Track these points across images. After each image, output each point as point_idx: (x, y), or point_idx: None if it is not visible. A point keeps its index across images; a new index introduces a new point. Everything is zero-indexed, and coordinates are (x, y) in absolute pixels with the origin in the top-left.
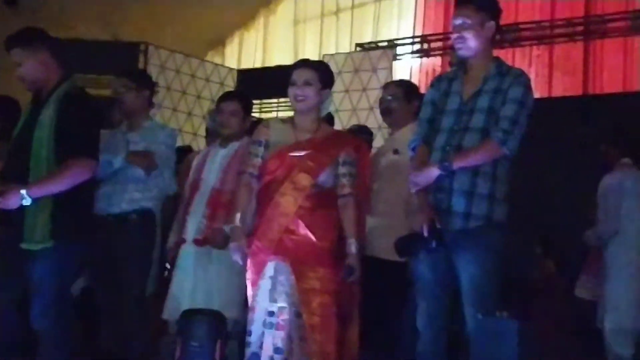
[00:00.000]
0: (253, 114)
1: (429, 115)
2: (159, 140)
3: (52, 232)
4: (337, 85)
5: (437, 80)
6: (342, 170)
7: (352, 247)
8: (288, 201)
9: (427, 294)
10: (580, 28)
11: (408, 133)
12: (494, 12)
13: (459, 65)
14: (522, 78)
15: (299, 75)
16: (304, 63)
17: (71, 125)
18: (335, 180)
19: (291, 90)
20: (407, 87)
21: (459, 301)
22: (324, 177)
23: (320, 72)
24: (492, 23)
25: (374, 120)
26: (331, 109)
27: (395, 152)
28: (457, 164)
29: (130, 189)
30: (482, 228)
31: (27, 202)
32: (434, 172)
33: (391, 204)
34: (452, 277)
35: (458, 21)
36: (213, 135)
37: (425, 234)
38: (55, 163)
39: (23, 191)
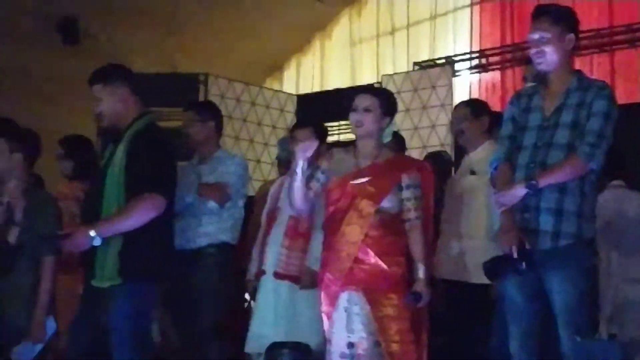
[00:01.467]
0: None
1: (510, 132)
2: (229, 170)
3: (121, 270)
4: (397, 105)
5: (517, 97)
6: (406, 194)
7: (420, 272)
8: (354, 230)
9: (518, 317)
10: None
11: (483, 152)
12: (572, 23)
13: (539, 80)
14: (605, 91)
15: (359, 102)
16: (366, 89)
17: (140, 162)
18: (400, 205)
19: (352, 117)
20: (474, 105)
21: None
22: (388, 203)
23: (381, 99)
24: (572, 35)
25: (435, 138)
26: (395, 129)
27: (472, 172)
28: (543, 182)
29: (205, 222)
30: (573, 246)
31: (97, 242)
32: (520, 191)
33: (473, 226)
34: (543, 299)
35: (536, 35)
36: (284, 165)
37: (515, 255)
38: (126, 201)
39: (92, 232)
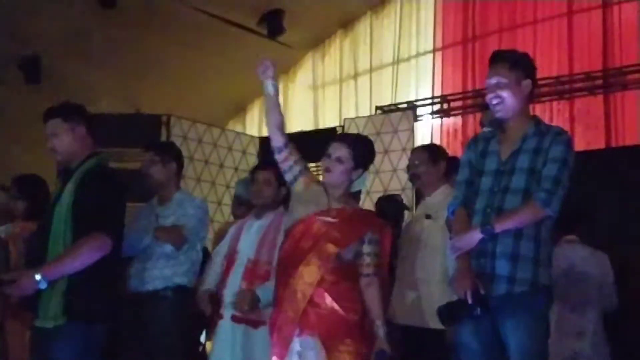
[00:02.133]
0: None
1: (467, 177)
2: (189, 213)
3: (65, 309)
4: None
5: (474, 141)
6: (367, 249)
7: (380, 330)
8: (312, 270)
9: None
10: (599, 81)
11: (439, 196)
12: (529, 69)
13: (495, 125)
14: (562, 136)
15: (333, 150)
16: (342, 138)
17: (87, 202)
18: (356, 256)
19: (323, 162)
20: (431, 150)
21: None
22: (347, 252)
23: (356, 150)
24: (528, 81)
25: (397, 182)
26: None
27: (428, 217)
28: (499, 227)
29: (161, 265)
30: (527, 293)
31: (42, 285)
32: (476, 235)
33: (428, 271)
34: (499, 346)
35: (493, 80)
36: (243, 205)
37: (470, 300)
38: (72, 242)
39: (37, 275)
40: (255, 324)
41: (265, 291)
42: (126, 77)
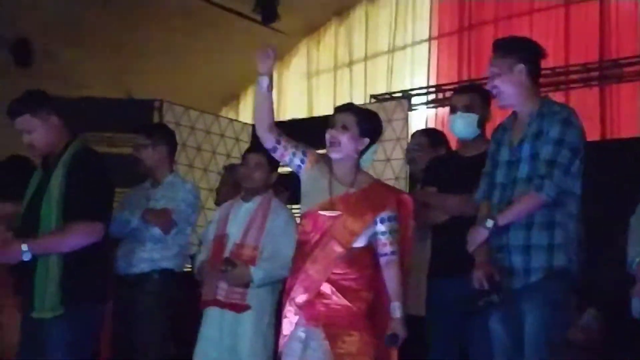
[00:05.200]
0: None
1: (489, 169)
2: (179, 197)
3: (62, 299)
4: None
5: (495, 130)
6: (381, 228)
7: (397, 311)
8: (318, 269)
9: (503, 355)
10: (595, 73)
11: None
12: (523, 53)
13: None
14: (559, 115)
15: (337, 118)
16: (346, 106)
17: (78, 189)
18: (372, 239)
19: (327, 134)
20: (432, 135)
21: None
22: (360, 242)
23: (361, 117)
24: (521, 66)
25: (390, 172)
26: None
27: None
28: (502, 220)
29: (149, 248)
30: (542, 281)
31: (26, 257)
32: (481, 231)
33: (418, 260)
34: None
35: (490, 71)
36: (232, 188)
37: (486, 287)
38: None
39: (24, 246)
40: (239, 309)
41: (257, 273)
42: (119, 62)
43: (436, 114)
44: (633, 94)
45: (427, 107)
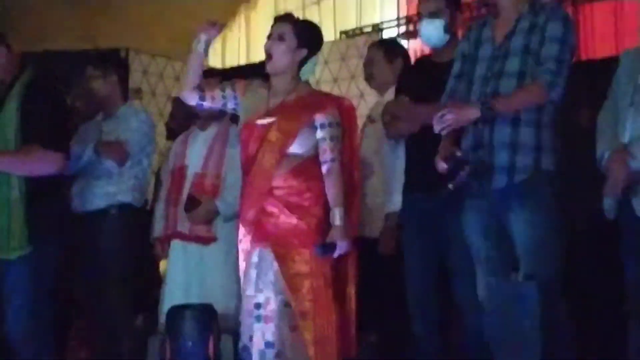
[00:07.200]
0: None
1: (457, 71)
2: (132, 127)
3: (29, 238)
4: (325, 75)
5: (468, 30)
6: (320, 134)
7: (337, 217)
8: (259, 181)
9: (488, 272)
10: None
11: (391, 96)
12: None
13: (489, 11)
14: (559, 12)
15: (274, 29)
16: (284, 16)
17: (38, 117)
18: (316, 147)
19: (264, 46)
20: (387, 47)
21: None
22: (298, 147)
23: (299, 27)
24: None
25: (364, 107)
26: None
27: (371, 120)
28: (500, 107)
29: (103, 183)
30: (529, 181)
31: None
32: (473, 112)
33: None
34: (510, 243)
35: None
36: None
37: (450, 167)
38: None
39: None
40: (206, 241)
41: (224, 204)
42: (84, 14)
43: (408, 47)
44: (607, 13)
45: (399, 40)
